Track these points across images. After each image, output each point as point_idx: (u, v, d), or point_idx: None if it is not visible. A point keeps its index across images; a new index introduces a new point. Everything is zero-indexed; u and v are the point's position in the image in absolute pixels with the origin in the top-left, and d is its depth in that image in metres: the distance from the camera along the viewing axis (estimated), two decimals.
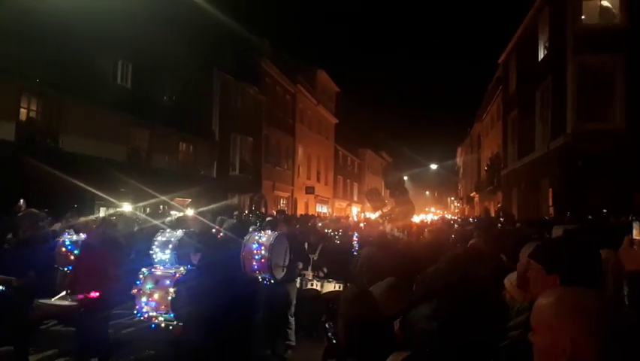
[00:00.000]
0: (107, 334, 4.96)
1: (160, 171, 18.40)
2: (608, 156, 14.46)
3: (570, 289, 1.46)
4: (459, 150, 56.31)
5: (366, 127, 53.23)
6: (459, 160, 57.77)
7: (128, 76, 18.20)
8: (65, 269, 5.52)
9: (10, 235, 5.97)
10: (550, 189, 17.44)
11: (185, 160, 22.26)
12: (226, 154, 24.78)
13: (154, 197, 12.36)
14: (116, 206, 10.56)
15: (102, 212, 10.73)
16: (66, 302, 4.65)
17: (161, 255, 5.36)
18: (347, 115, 45.91)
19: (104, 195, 11.86)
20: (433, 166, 60.85)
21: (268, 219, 9.31)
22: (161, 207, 12.33)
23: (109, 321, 5.09)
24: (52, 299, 4.71)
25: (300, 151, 36.25)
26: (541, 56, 19.74)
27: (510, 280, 3.01)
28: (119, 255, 5.44)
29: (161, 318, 4.37)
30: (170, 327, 4.34)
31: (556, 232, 6.19)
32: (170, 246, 5.43)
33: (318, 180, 40.79)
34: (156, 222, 8.26)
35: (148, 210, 11.44)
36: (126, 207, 9.51)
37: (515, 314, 2.74)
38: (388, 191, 16.68)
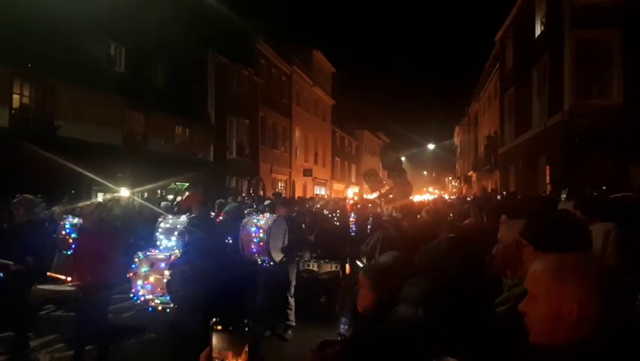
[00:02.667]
0: (106, 318, 4.97)
1: (156, 155, 18.29)
2: (605, 132, 14.43)
3: (566, 254, 1.44)
4: (456, 129, 56.14)
5: (363, 108, 53.36)
6: (456, 139, 57.64)
7: (122, 59, 17.97)
8: (67, 253, 5.50)
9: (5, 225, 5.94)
10: (548, 167, 17.45)
11: (182, 144, 22.11)
12: (223, 137, 24.62)
13: (151, 181, 12.31)
14: (113, 191, 10.53)
15: (99, 197, 10.70)
16: (64, 287, 4.65)
17: (166, 242, 5.31)
18: (344, 96, 45.99)
19: (101, 180, 11.80)
20: (431, 146, 60.75)
21: (267, 202, 9.32)
22: (159, 191, 12.31)
23: (108, 305, 5.10)
24: (50, 285, 4.70)
25: (297, 133, 36.12)
26: (537, 32, 19.54)
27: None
28: (115, 239, 5.41)
29: (157, 301, 4.36)
30: (167, 310, 4.34)
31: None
32: (176, 233, 5.38)
33: (316, 162, 40.72)
34: (153, 206, 8.24)
35: (145, 194, 11.41)
36: (123, 192, 9.48)
37: (506, 290, 2.75)
38: (386, 172, 16.67)
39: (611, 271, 1.36)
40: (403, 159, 30.88)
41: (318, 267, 7.17)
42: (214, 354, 1.21)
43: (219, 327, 1.22)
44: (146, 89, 18.48)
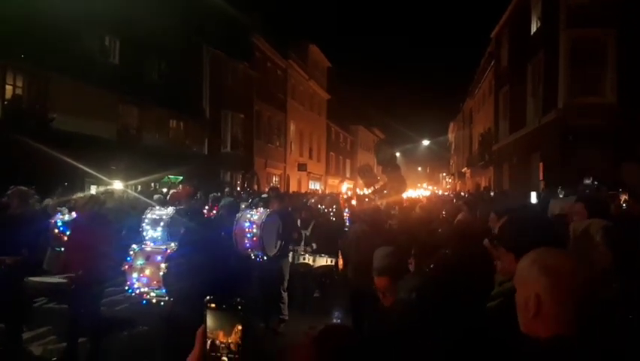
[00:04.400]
0: (99, 311, 4.99)
1: (150, 149, 18.22)
2: (599, 130, 14.55)
3: (549, 250, 1.52)
4: (451, 125, 56.37)
5: (358, 103, 53.05)
6: (451, 136, 57.90)
7: (116, 52, 17.89)
8: (60, 249, 5.52)
9: None
10: (541, 163, 17.58)
11: (176, 138, 22.08)
12: (217, 131, 24.61)
13: (144, 175, 12.31)
14: (107, 184, 10.53)
15: (93, 190, 10.69)
16: (56, 279, 4.66)
17: (152, 232, 5.35)
18: (339, 91, 45.54)
19: (95, 173, 11.78)
20: (425, 142, 61.01)
21: (263, 195, 9.35)
22: (152, 184, 12.31)
23: (101, 298, 5.12)
24: (43, 277, 4.71)
25: (291, 127, 36.08)
26: (533, 29, 19.63)
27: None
28: (107, 232, 5.43)
29: (152, 293, 4.39)
30: (162, 303, 4.37)
31: (554, 206, 6.29)
32: (162, 223, 5.42)
33: (311, 156, 40.74)
34: (146, 199, 8.25)
35: (139, 187, 11.41)
36: (117, 185, 9.48)
37: (497, 285, 2.86)
38: (380, 167, 16.74)
39: (583, 272, 1.42)
40: (397, 154, 31.01)
41: (313, 261, 7.23)
42: (207, 332, 1.21)
43: (212, 305, 1.23)
44: (141, 82, 18.42)
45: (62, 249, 5.36)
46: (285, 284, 6.64)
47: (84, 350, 4.73)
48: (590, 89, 16.12)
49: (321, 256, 7.25)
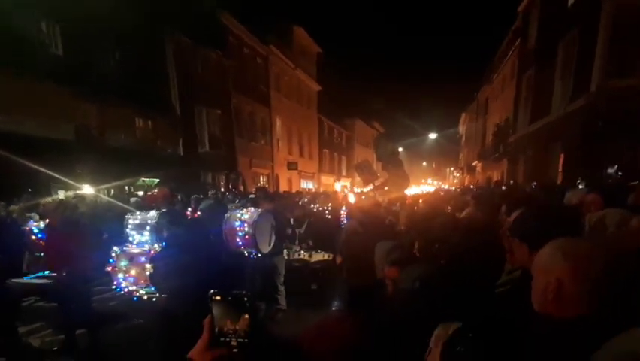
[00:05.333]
0: (90, 305, 5.41)
1: (117, 151, 18.01)
2: (631, 116, 14.51)
3: (570, 239, 1.98)
4: (463, 116, 56.98)
5: (354, 94, 52.98)
6: (462, 128, 58.50)
7: (57, 40, 17.03)
8: (39, 255, 5.94)
9: None
10: (562, 154, 17.93)
11: (145, 138, 21.71)
12: (192, 130, 24.55)
13: (115, 178, 12.60)
14: (76, 188, 10.86)
15: (61, 194, 11.01)
16: (42, 280, 5.08)
17: (139, 237, 5.76)
18: (332, 81, 45.02)
19: (60, 177, 12.04)
20: (432, 135, 61.45)
21: (250, 196, 9.75)
22: (127, 187, 12.67)
23: (90, 295, 5.53)
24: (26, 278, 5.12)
25: (278, 123, 36.12)
26: (571, 1, 19.21)
27: None
28: (83, 236, 5.85)
29: (142, 291, 4.80)
30: (154, 299, 4.77)
31: (571, 197, 6.76)
32: (148, 228, 5.83)
33: (301, 154, 40.96)
34: (122, 204, 8.63)
35: (112, 191, 11.74)
36: (87, 190, 9.85)
37: (506, 274, 3.39)
38: (380, 163, 17.16)
39: (602, 258, 1.83)
40: (400, 149, 31.46)
41: (310, 257, 7.69)
42: (215, 321, 1.38)
43: (218, 297, 1.39)
44: (94, 75, 17.61)
45: (42, 254, 5.78)
46: (282, 278, 7.08)
47: (82, 340, 5.13)
48: (629, 70, 15.60)
49: (317, 252, 7.71)
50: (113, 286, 4.95)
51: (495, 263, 3.51)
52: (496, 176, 30.79)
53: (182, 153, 23.41)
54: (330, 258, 7.61)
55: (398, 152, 22.55)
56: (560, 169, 17.40)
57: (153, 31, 21.20)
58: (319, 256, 7.66)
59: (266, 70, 33.71)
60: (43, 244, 5.85)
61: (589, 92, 16.02)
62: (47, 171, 11.85)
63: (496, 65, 35.95)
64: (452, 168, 65.82)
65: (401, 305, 3.48)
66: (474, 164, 43.68)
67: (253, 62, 31.89)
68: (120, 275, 4.87)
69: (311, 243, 7.90)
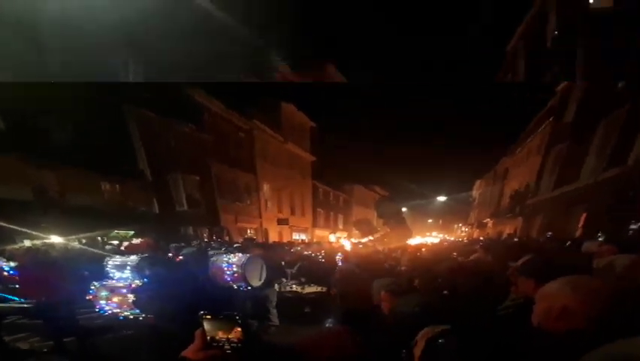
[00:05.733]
0: (76, 319, 5.73)
1: (83, 208, 18.52)
2: None
3: (579, 276, 2.41)
4: (477, 182, 58.35)
5: (354, 160, 53.87)
6: (475, 192, 59.53)
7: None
8: (16, 286, 6.30)
9: None
10: (585, 214, 18.79)
11: (113, 199, 22.20)
12: (167, 191, 25.09)
13: (84, 231, 12.95)
14: (42, 238, 11.20)
15: (27, 243, 11.32)
16: (22, 304, 5.41)
17: (119, 274, 6.14)
18: (329, 149, 45.83)
19: (24, 230, 12.41)
20: (441, 198, 62.16)
21: (236, 245, 10.14)
22: (99, 238, 13.03)
23: (74, 312, 5.85)
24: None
25: (265, 187, 36.86)
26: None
27: None
28: (58, 270, 6.24)
29: (127, 313, 5.13)
30: (141, 318, 5.10)
31: (587, 246, 7.28)
32: (129, 268, 6.22)
33: (293, 213, 41.52)
34: (96, 250, 9.02)
35: (84, 240, 12.07)
36: (55, 239, 10.22)
37: (509, 301, 3.98)
38: (382, 220, 17.61)
39: (609, 293, 2.18)
40: (404, 209, 31.91)
41: (302, 289, 8.02)
42: (208, 333, 1.57)
43: (209, 316, 1.58)
44: (38, 141, 17.62)
45: (17, 286, 6.14)
46: (274, 304, 7.39)
47: (72, 346, 5.41)
48: None
49: (310, 286, 8.04)
50: (97, 309, 5.29)
51: (498, 300, 4.11)
52: (508, 230, 31.42)
53: (157, 212, 23.79)
54: (324, 290, 7.94)
55: (402, 212, 23.08)
56: (581, 224, 18.14)
57: (110, 103, 21.27)
58: (312, 289, 7.99)
59: (251, 142, 34.64)
60: (17, 278, 6.20)
61: (626, 165, 17.37)
62: (10, 226, 12.20)
63: (522, 140, 37.31)
64: (460, 224, 66.25)
65: (399, 325, 3.86)
66: (485, 220, 44.35)
67: (235, 135, 32.90)
68: (102, 302, 5.21)
69: (303, 280, 8.24)
